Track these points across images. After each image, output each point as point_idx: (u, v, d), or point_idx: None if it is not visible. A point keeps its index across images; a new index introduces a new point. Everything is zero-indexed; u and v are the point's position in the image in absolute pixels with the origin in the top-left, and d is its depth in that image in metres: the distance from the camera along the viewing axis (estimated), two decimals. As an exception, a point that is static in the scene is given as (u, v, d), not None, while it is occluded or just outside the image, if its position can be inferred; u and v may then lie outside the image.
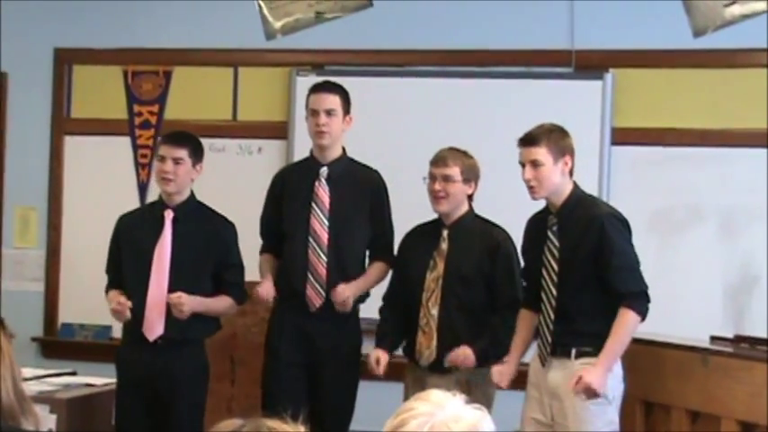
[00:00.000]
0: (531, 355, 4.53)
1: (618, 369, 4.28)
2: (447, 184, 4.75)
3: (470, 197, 4.84)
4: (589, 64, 5.92)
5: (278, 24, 6.30)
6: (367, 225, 4.92)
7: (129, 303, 4.73)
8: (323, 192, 4.90)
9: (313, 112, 4.87)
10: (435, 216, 4.87)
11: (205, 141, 5.07)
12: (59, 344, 6.53)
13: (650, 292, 4.29)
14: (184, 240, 4.83)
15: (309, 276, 4.83)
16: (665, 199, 5.81)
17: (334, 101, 4.87)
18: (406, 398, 2.33)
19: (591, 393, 4.15)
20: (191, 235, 4.84)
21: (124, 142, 6.50)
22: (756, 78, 5.74)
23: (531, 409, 4.43)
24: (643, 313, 4.24)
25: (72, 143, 6.59)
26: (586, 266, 4.29)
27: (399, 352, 4.96)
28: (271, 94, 6.32)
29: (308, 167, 4.97)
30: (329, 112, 4.85)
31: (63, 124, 6.60)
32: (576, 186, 4.42)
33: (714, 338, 4.70)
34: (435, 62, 6.13)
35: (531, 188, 4.37)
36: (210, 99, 6.41)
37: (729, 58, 5.80)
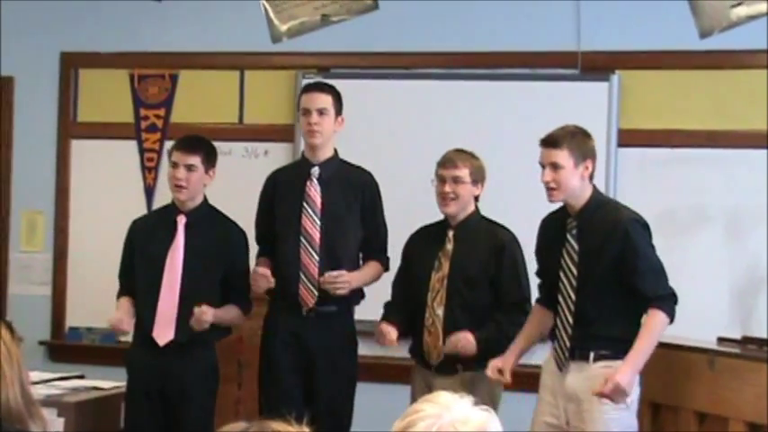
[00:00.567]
0: (544, 359, 4.52)
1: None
2: (456, 185, 4.76)
3: (476, 198, 4.84)
4: (595, 65, 5.91)
5: (284, 27, 6.30)
6: (359, 226, 4.91)
7: (128, 329, 4.85)
8: (314, 191, 4.89)
9: (305, 112, 4.88)
10: (442, 217, 4.87)
11: (211, 145, 5.08)
12: (67, 347, 6.53)
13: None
14: (197, 247, 4.84)
15: (302, 276, 4.82)
16: (671, 200, 5.79)
17: (326, 100, 4.87)
18: (414, 399, 2.34)
19: (620, 394, 4.12)
20: (203, 241, 4.85)
21: (131, 146, 6.50)
22: (763, 79, 5.72)
23: (543, 413, 4.41)
24: (672, 315, 4.23)
25: (78, 147, 6.58)
26: (608, 271, 4.26)
27: (405, 354, 4.96)
28: (277, 96, 6.31)
29: (300, 168, 4.98)
30: (321, 112, 4.85)
31: (69, 128, 6.60)
32: (595, 189, 4.39)
33: (721, 339, 4.70)
34: (441, 65, 6.12)
35: (549, 190, 4.33)
36: (216, 102, 6.41)
37: (736, 60, 5.78)
